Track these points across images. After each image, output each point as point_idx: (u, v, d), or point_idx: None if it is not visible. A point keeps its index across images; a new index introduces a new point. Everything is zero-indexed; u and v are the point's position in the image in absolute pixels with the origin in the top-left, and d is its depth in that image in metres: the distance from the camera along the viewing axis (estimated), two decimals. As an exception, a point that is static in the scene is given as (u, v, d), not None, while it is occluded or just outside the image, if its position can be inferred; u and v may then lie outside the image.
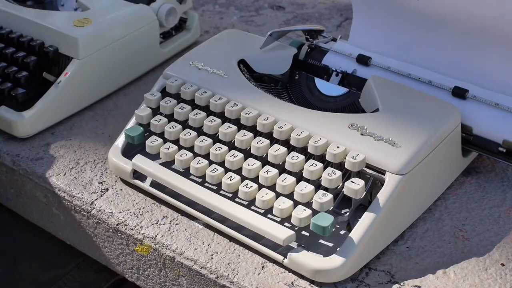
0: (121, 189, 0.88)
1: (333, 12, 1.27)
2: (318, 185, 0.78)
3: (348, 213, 0.79)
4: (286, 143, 0.82)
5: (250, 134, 0.83)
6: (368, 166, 0.78)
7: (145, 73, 1.09)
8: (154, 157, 0.86)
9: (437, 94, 0.87)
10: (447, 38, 0.89)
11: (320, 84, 0.93)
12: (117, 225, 0.84)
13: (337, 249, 0.75)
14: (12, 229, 1.04)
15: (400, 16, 0.92)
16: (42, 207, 0.93)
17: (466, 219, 0.83)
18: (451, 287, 0.75)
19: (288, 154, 0.80)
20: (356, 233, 0.75)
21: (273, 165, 0.80)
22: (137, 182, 0.87)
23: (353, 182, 0.76)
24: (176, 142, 0.86)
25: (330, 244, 0.77)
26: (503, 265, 0.77)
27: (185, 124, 0.87)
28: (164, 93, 0.91)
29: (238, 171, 0.80)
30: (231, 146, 0.83)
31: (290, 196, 0.77)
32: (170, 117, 0.88)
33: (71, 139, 0.97)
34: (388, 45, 0.93)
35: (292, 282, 0.75)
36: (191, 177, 0.84)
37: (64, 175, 0.92)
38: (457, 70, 0.89)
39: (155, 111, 0.90)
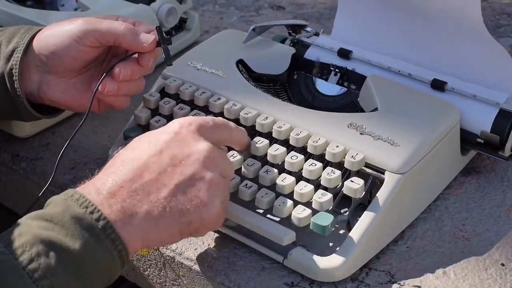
0: (121, 189, 0.88)
1: (333, 12, 1.27)
2: (317, 185, 0.78)
3: (347, 213, 0.79)
4: (285, 142, 0.81)
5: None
6: (368, 165, 0.78)
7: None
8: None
9: (416, 86, 0.88)
10: (426, 30, 0.90)
11: (319, 83, 0.93)
12: (117, 225, 0.84)
13: (337, 249, 0.75)
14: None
15: (381, 10, 0.92)
16: (42, 207, 0.93)
17: (466, 219, 0.83)
18: (451, 287, 0.74)
19: (288, 153, 0.80)
20: (356, 232, 0.75)
21: (272, 164, 0.80)
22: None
23: (353, 182, 0.76)
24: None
25: (330, 244, 0.77)
26: (503, 265, 0.77)
27: (184, 125, 0.87)
28: (163, 93, 0.91)
29: (238, 171, 0.80)
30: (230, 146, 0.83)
31: (289, 195, 0.77)
32: (169, 118, 0.88)
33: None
34: (370, 39, 0.94)
35: (292, 282, 0.75)
36: (191, 177, 0.84)
37: (64, 175, 0.92)
38: (436, 62, 0.90)
39: (154, 112, 0.90)
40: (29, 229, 0.64)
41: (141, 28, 0.85)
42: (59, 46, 0.83)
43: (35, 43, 0.84)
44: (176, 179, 0.68)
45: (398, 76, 0.90)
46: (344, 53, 0.94)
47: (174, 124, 0.73)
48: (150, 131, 0.74)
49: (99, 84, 0.83)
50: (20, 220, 0.66)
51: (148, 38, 0.83)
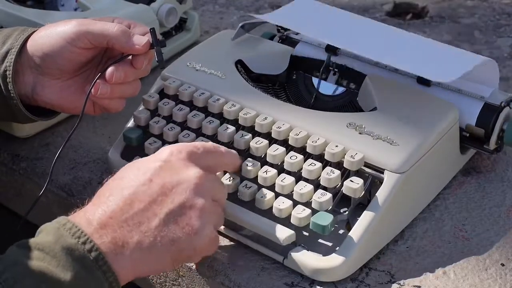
0: (121, 189, 0.88)
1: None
2: (317, 185, 0.78)
3: (347, 212, 0.79)
4: (284, 143, 0.81)
5: (249, 135, 0.82)
6: (367, 165, 0.78)
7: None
8: (153, 157, 0.86)
9: (403, 81, 0.89)
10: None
11: (318, 83, 0.93)
12: (117, 225, 0.84)
13: (337, 248, 0.75)
14: (12, 229, 1.04)
15: None
16: (42, 207, 0.93)
17: (466, 219, 0.83)
18: (451, 287, 0.74)
19: (287, 154, 0.80)
20: (355, 232, 0.75)
21: (271, 165, 0.80)
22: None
23: (352, 181, 0.76)
24: (175, 143, 0.85)
25: (330, 244, 0.77)
26: (503, 265, 0.77)
27: (183, 125, 0.87)
28: (162, 94, 0.91)
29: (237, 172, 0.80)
30: (229, 147, 0.83)
31: (289, 196, 0.77)
32: (169, 119, 0.88)
33: (71, 139, 0.97)
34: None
35: (292, 282, 0.75)
36: (190, 177, 0.84)
37: (64, 175, 0.92)
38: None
39: (154, 113, 0.90)
40: (20, 259, 0.63)
41: (136, 30, 0.84)
42: (52, 48, 0.83)
43: (29, 44, 0.84)
44: (166, 208, 0.68)
45: (385, 71, 0.90)
46: (331, 49, 0.94)
47: (164, 152, 0.72)
48: (138, 160, 0.73)
49: (91, 87, 0.83)
50: (11, 248, 0.65)
51: (141, 40, 0.82)
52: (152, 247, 0.67)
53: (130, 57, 0.83)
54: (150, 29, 0.83)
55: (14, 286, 0.61)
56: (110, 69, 0.82)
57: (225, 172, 0.80)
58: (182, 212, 0.68)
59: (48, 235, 0.65)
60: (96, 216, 0.67)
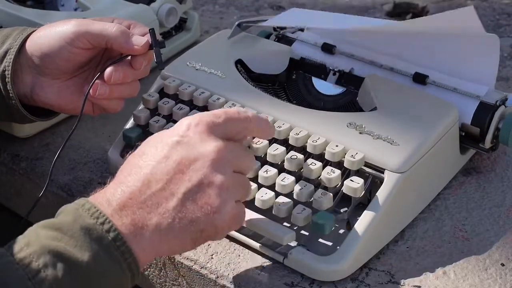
0: (121, 189, 0.88)
1: (333, 12, 1.27)
2: (317, 184, 0.78)
3: (347, 212, 0.79)
4: (284, 142, 0.81)
5: (249, 134, 0.82)
6: (367, 164, 0.78)
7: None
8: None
9: (399, 80, 0.89)
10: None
11: (318, 83, 0.93)
12: (117, 225, 0.84)
13: (337, 248, 0.75)
14: (12, 229, 1.04)
15: None
16: (42, 207, 0.93)
17: (466, 219, 0.83)
18: (451, 287, 0.74)
19: (287, 153, 0.80)
20: (356, 231, 0.75)
21: (272, 164, 0.80)
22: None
23: (352, 181, 0.76)
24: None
25: (330, 243, 0.77)
26: (503, 265, 0.77)
27: (183, 125, 0.87)
28: (162, 93, 0.91)
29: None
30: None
31: (289, 195, 0.77)
32: (168, 118, 0.88)
33: (71, 139, 0.97)
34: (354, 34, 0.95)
35: (292, 282, 0.75)
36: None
37: (64, 175, 0.92)
38: (416, 56, 0.90)
39: (153, 112, 0.90)
40: (37, 239, 0.63)
41: (135, 30, 0.84)
42: (51, 48, 0.82)
43: (28, 44, 0.84)
44: (184, 186, 0.66)
45: (380, 70, 0.90)
46: (327, 48, 0.94)
47: (181, 125, 0.69)
48: (158, 133, 0.71)
49: (90, 87, 0.82)
50: (30, 229, 0.65)
51: (140, 40, 0.82)
52: (171, 229, 0.65)
53: (129, 57, 0.83)
54: (150, 29, 0.83)
55: (30, 266, 0.61)
56: (108, 70, 0.82)
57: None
58: (200, 190, 0.66)
59: (67, 215, 0.65)
60: (116, 196, 0.66)
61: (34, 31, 0.85)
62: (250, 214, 0.77)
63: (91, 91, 0.82)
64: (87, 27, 0.82)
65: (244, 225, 0.77)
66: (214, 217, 0.66)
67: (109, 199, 0.66)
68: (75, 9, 1.10)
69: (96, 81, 0.82)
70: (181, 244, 0.67)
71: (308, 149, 0.80)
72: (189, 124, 0.69)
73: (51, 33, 0.83)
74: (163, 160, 0.67)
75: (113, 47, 0.83)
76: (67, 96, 0.86)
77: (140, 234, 0.65)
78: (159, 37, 0.83)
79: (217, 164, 0.67)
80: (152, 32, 0.82)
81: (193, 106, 0.88)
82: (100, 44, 0.83)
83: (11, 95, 0.84)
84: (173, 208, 0.66)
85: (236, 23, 0.98)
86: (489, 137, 0.85)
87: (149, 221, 0.65)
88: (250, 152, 0.75)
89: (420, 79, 0.88)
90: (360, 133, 0.80)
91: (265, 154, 0.80)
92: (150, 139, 0.71)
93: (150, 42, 0.82)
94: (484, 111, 0.85)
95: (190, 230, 0.66)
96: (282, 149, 0.80)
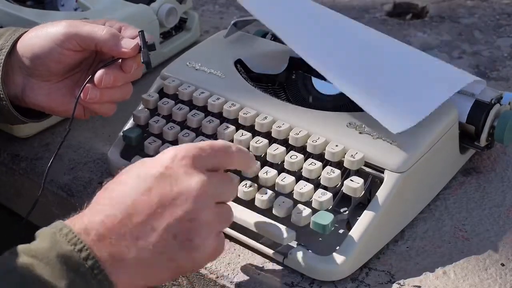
0: (121, 189, 0.88)
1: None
2: (317, 184, 0.78)
3: (347, 212, 0.79)
4: (284, 142, 0.81)
5: (249, 134, 0.82)
6: (367, 164, 0.78)
7: (144, 73, 1.09)
8: (153, 157, 0.86)
9: None
10: None
11: (317, 83, 0.93)
12: (116, 225, 0.84)
13: (337, 248, 0.75)
14: (12, 229, 1.04)
15: None
16: (42, 207, 0.93)
17: (466, 219, 0.83)
18: (451, 287, 0.74)
19: (287, 153, 0.79)
20: (356, 231, 0.75)
21: (272, 164, 0.80)
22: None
23: (352, 181, 0.76)
24: (174, 142, 0.86)
25: (330, 243, 0.77)
26: (503, 265, 0.77)
27: (183, 125, 0.87)
28: (161, 93, 0.91)
29: (237, 171, 0.80)
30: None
31: (289, 195, 0.77)
32: (168, 118, 0.88)
33: (71, 139, 0.97)
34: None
35: (292, 282, 0.75)
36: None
37: (64, 175, 0.92)
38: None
39: (153, 112, 0.90)
40: (13, 267, 0.61)
41: (126, 32, 0.83)
42: (41, 49, 0.82)
43: (19, 45, 0.83)
44: (165, 222, 0.64)
45: None
46: None
47: (167, 156, 0.67)
48: (141, 161, 0.69)
49: (81, 91, 0.82)
50: (4, 256, 0.63)
51: (130, 43, 0.81)
52: (149, 264, 0.64)
53: (120, 60, 0.82)
54: (139, 31, 0.82)
55: None
56: (99, 73, 0.81)
57: None
58: (182, 226, 0.64)
59: (44, 241, 0.63)
60: (94, 225, 0.63)
61: (25, 32, 0.84)
62: (250, 214, 0.77)
63: (82, 94, 0.82)
64: (77, 29, 0.81)
65: (245, 224, 0.77)
66: (194, 253, 0.65)
67: (87, 228, 0.64)
68: (75, 9, 1.10)
69: (87, 84, 0.82)
70: (159, 278, 0.66)
71: (308, 149, 0.79)
72: (174, 156, 0.67)
73: (42, 34, 0.82)
74: (146, 193, 0.65)
75: (102, 50, 0.82)
76: (57, 98, 0.85)
77: (118, 266, 0.63)
78: (150, 39, 0.82)
79: (199, 200, 0.65)
80: (141, 33, 0.81)
81: (192, 106, 0.88)
82: (89, 46, 0.82)
83: (2, 96, 0.83)
84: (153, 244, 0.64)
85: (232, 22, 0.97)
86: (484, 135, 0.85)
87: (128, 255, 0.63)
88: (233, 178, 0.75)
89: None
90: (360, 133, 0.80)
91: (265, 154, 0.81)
92: (132, 167, 0.68)
93: (140, 45, 0.81)
94: (479, 109, 0.85)
95: (169, 266, 0.65)
96: (282, 149, 0.80)
